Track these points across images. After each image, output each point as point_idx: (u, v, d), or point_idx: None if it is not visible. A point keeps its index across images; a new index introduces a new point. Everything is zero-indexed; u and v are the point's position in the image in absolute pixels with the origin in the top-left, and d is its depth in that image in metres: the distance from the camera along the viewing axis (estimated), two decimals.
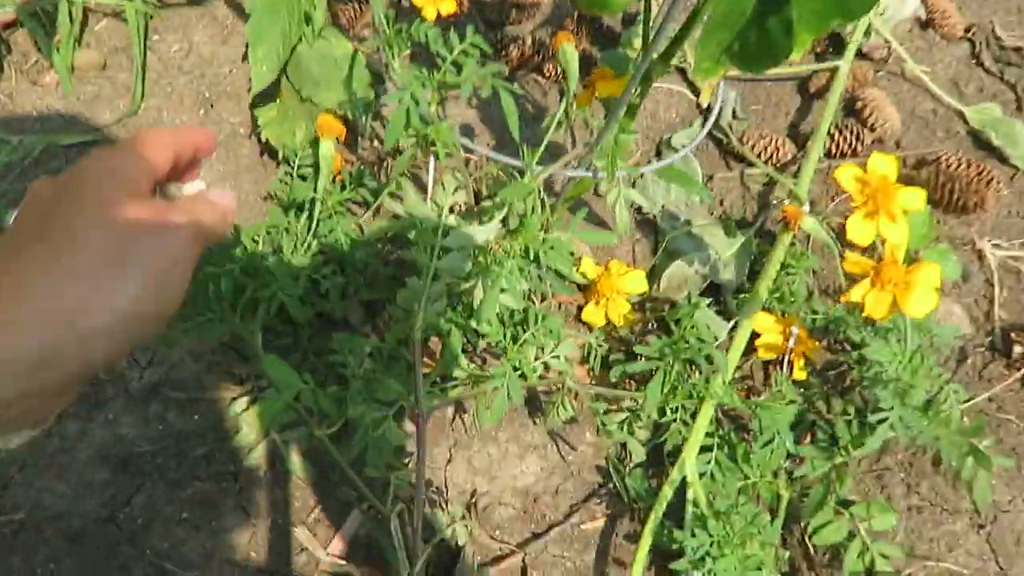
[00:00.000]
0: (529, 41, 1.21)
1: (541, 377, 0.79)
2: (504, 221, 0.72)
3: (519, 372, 0.75)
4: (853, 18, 0.59)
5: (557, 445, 0.93)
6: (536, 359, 0.78)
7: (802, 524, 0.90)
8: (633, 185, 1.05)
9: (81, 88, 1.12)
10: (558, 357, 0.78)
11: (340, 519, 0.85)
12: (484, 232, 0.70)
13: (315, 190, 0.93)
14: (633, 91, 0.70)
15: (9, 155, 1.00)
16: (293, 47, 0.96)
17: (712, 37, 0.62)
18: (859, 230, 0.73)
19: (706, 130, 1.10)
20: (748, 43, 0.61)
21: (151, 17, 1.18)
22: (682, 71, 1.27)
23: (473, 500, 0.88)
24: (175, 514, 0.84)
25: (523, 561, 0.85)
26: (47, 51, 1.12)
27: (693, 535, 0.76)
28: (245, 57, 1.18)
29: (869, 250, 0.80)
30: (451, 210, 0.71)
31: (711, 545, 0.74)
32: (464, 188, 0.73)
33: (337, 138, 0.95)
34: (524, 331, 0.77)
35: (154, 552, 0.81)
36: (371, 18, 1.24)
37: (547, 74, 1.22)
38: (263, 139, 1.04)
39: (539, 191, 0.73)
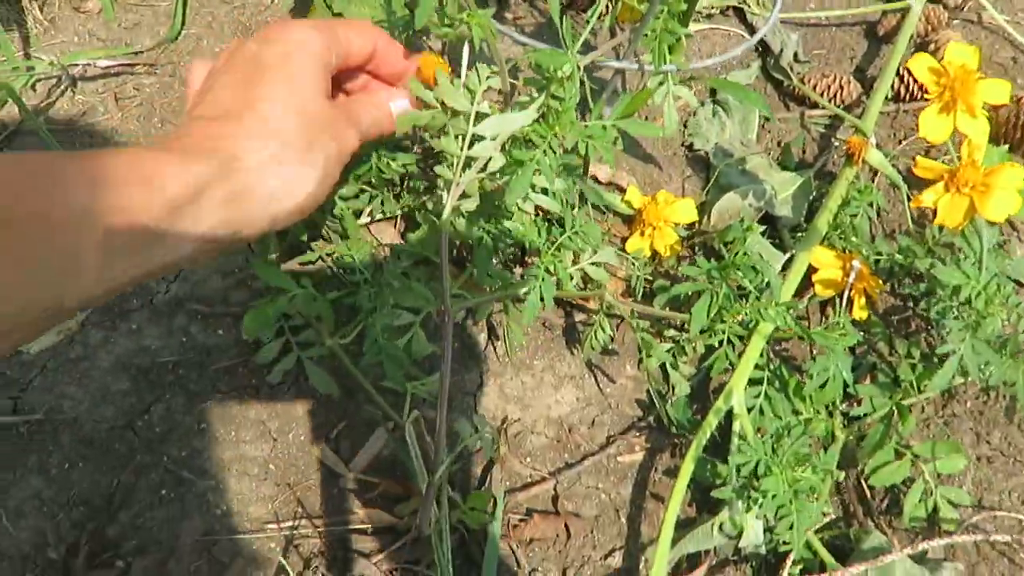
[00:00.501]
0: None
1: (579, 287, 0.74)
2: (542, 113, 0.67)
3: (554, 277, 0.70)
4: None
5: (595, 376, 0.87)
6: (574, 264, 0.73)
7: (858, 467, 0.83)
8: (685, 125, 0.99)
9: (123, 15, 1.11)
10: (598, 265, 0.73)
11: (364, 437, 0.81)
12: (519, 119, 0.65)
13: None
14: None
15: (47, 69, 0.99)
16: None
17: None
18: (933, 125, 0.66)
19: (751, 43, 1.04)
20: None
21: None
22: (739, 11, 1.21)
23: (504, 426, 0.83)
24: (194, 425, 0.81)
25: (554, 489, 0.80)
26: None
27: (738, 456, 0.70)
28: None
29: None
30: (484, 98, 0.67)
31: (756, 465, 0.67)
32: (499, 76, 0.68)
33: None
34: (560, 234, 0.71)
35: (171, 459, 0.78)
36: None
37: (577, 3, 1.17)
38: None
39: (581, 81, 0.68)
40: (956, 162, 0.68)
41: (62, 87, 1.01)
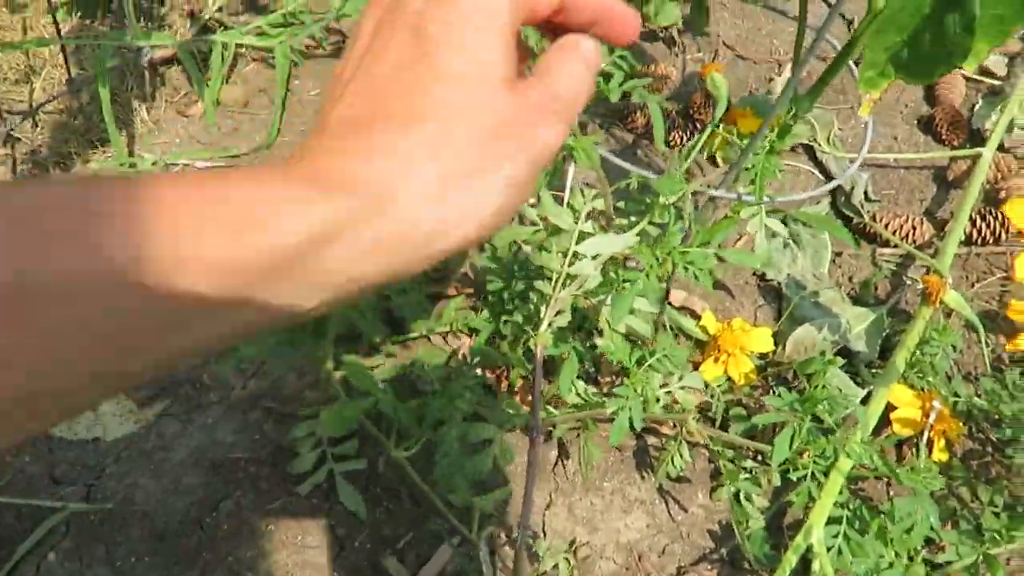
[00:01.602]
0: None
1: (665, 408, 0.74)
2: (641, 234, 0.69)
3: (642, 397, 0.70)
4: None
5: (666, 503, 0.85)
6: (661, 387, 0.73)
7: None
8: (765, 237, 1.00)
9: (223, 121, 1.17)
10: (684, 388, 0.73)
11: (430, 549, 0.79)
12: (621, 241, 0.67)
13: None
14: (784, 111, 0.68)
15: (149, 168, 1.04)
16: None
17: (880, 41, 0.59)
18: None
19: (831, 186, 1.06)
20: (921, 46, 0.58)
21: (295, 64, 1.23)
22: (809, 149, 1.24)
23: (573, 549, 0.81)
24: (262, 525, 0.80)
25: None
26: (197, 86, 1.17)
27: None
28: None
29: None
30: (588, 217, 0.69)
31: None
32: (603, 197, 0.71)
33: None
34: (650, 356, 0.72)
35: (236, 560, 0.77)
36: None
37: (671, 144, 1.21)
38: None
39: (682, 208, 0.70)
40: None
41: None
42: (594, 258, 0.66)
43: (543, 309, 0.66)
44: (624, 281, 0.67)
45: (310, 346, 0.78)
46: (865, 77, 0.61)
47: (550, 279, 0.65)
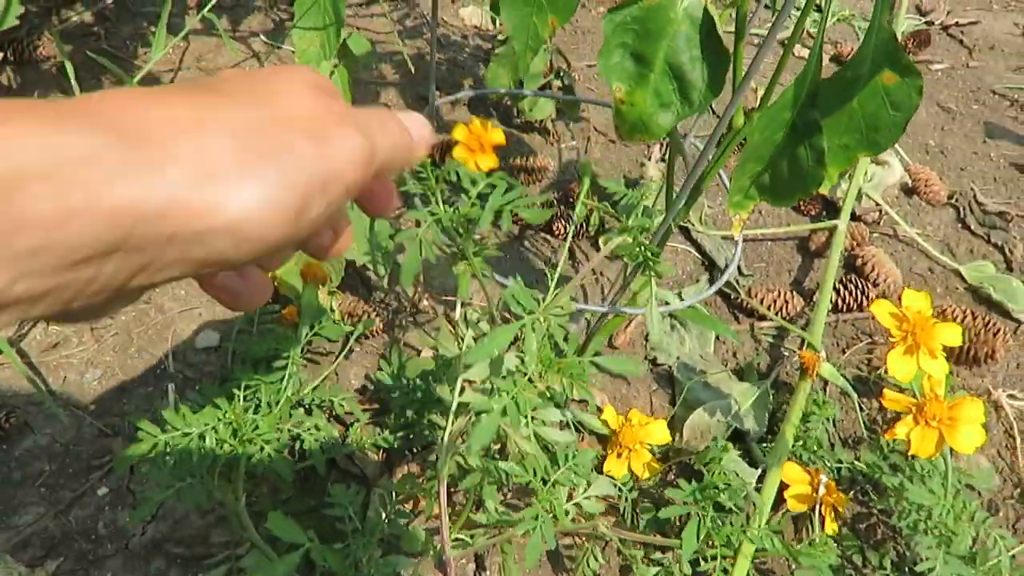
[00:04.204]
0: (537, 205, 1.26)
1: (574, 520, 0.75)
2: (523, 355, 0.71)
3: (551, 514, 0.71)
4: (879, 150, 0.62)
5: None
6: (568, 500, 0.74)
7: None
8: (646, 339, 1.05)
9: None
10: (590, 498, 0.75)
11: None
12: (500, 363, 0.68)
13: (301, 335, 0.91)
14: (671, 219, 0.72)
15: None
16: None
17: (745, 170, 0.64)
18: (900, 366, 0.73)
19: (720, 283, 1.12)
20: (780, 174, 0.63)
21: None
22: (685, 230, 1.31)
23: None
24: None
25: None
26: None
27: None
28: None
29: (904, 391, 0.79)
30: (475, 340, 0.71)
31: None
32: (489, 318, 0.73)
33: (322, 283, 0.97)
34: (555, 471, 0.73)
35: None
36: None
37: (556, 233, 1.25)
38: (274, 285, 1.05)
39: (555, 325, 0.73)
40: (912, 392, 0.74)
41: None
42: (481, 382, 0.68)
43: (441, 439, 0.67)
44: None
45: (220, 487, 0.76)
46: (734, 201, 0.66)
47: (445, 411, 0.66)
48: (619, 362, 0.73)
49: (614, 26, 0.60)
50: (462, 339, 0.73)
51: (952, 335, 0.73)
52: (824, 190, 0.68)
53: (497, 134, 0.99)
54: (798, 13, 0.60)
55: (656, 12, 0.59)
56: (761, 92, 0.64)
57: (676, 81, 0.62)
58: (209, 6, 1.21)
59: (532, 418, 0.72)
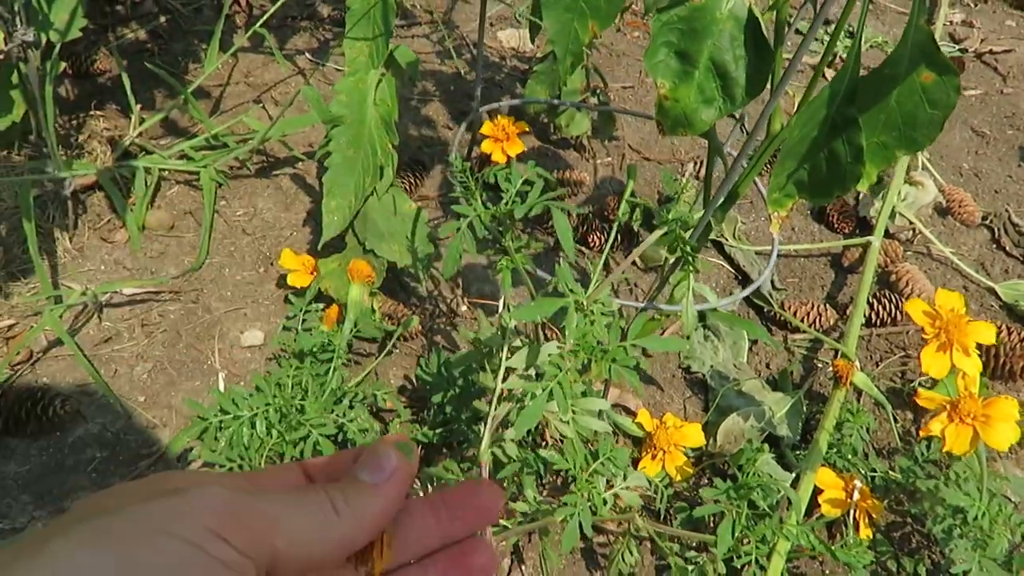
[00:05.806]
0: (575, 217, 1.28)
1: (613, 509, 0.77)
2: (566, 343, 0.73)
3: (590, 503, 0.73)
4: (917, 148, 0.63)
5: None
6: (607, 490, 0.76)
7: None
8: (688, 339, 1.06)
9: (149, 246, 1.17)
10: (628, 488, 0.76)
11: None
12: (543, 350, 0.70)
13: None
14: (708, 219, 0.74)
15: (76, 300, 1.03)
16: (365, 198, 1.02)
17: (783, 168, 0.66)
18: (933, 363, 0.73)
19: (754, 287, 1.14)
20: (819, 171, 0.65)
21: (220, 184, 1.25)
22: (718, 244, 1.33)
23: None
24: None
25: None
26: (121, 211, 1.18)
27: None
28: (306, 221, 1.24)
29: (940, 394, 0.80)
30: (517, 332, 0.73)
31: None
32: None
33: (368, 283, 0.99)
34: (593, 461, 0.75)
35: None
36: (427, 186, 1.32)
37: (591, 245, 1.28)
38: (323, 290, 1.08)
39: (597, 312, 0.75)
40: (946, 391, 0.74)
41: (89, 314, 1.05)
42: (523, 370, 0.70)
43: (482, 427, 0.68)
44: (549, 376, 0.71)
45: None
46: (772, 198, 0.68)
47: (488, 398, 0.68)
48: (663, 341, 0.75)
49: (660, 25, 0.63)
50: (504, 328, 0.75)
51: (986, 333, 0.74)
52: (863, 189, 0.69)
53: (520, 125, 1.02)
54: (827, 37, 0.63)
55: (702, 12, 0.62)
56: (798, 99, 0.67)
57: (719, 79, 0.64)
58: (261, 22, 1.26)
59: (572, 409, 0.74)
